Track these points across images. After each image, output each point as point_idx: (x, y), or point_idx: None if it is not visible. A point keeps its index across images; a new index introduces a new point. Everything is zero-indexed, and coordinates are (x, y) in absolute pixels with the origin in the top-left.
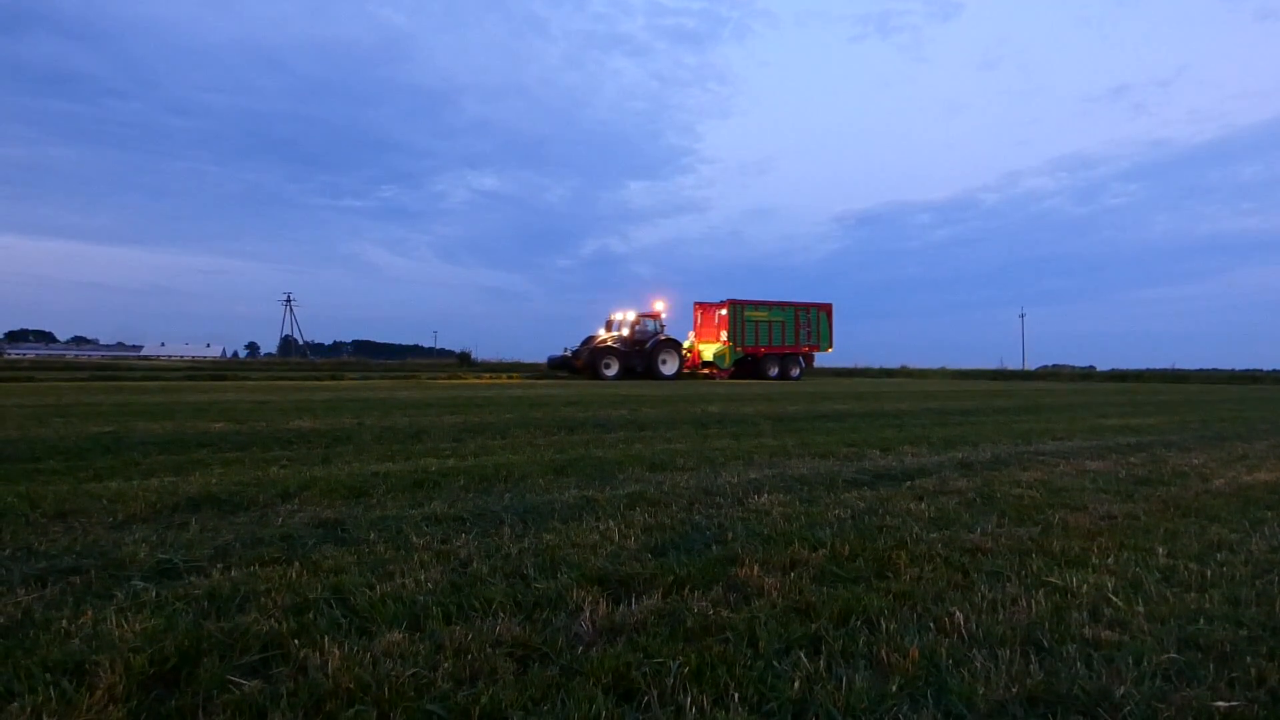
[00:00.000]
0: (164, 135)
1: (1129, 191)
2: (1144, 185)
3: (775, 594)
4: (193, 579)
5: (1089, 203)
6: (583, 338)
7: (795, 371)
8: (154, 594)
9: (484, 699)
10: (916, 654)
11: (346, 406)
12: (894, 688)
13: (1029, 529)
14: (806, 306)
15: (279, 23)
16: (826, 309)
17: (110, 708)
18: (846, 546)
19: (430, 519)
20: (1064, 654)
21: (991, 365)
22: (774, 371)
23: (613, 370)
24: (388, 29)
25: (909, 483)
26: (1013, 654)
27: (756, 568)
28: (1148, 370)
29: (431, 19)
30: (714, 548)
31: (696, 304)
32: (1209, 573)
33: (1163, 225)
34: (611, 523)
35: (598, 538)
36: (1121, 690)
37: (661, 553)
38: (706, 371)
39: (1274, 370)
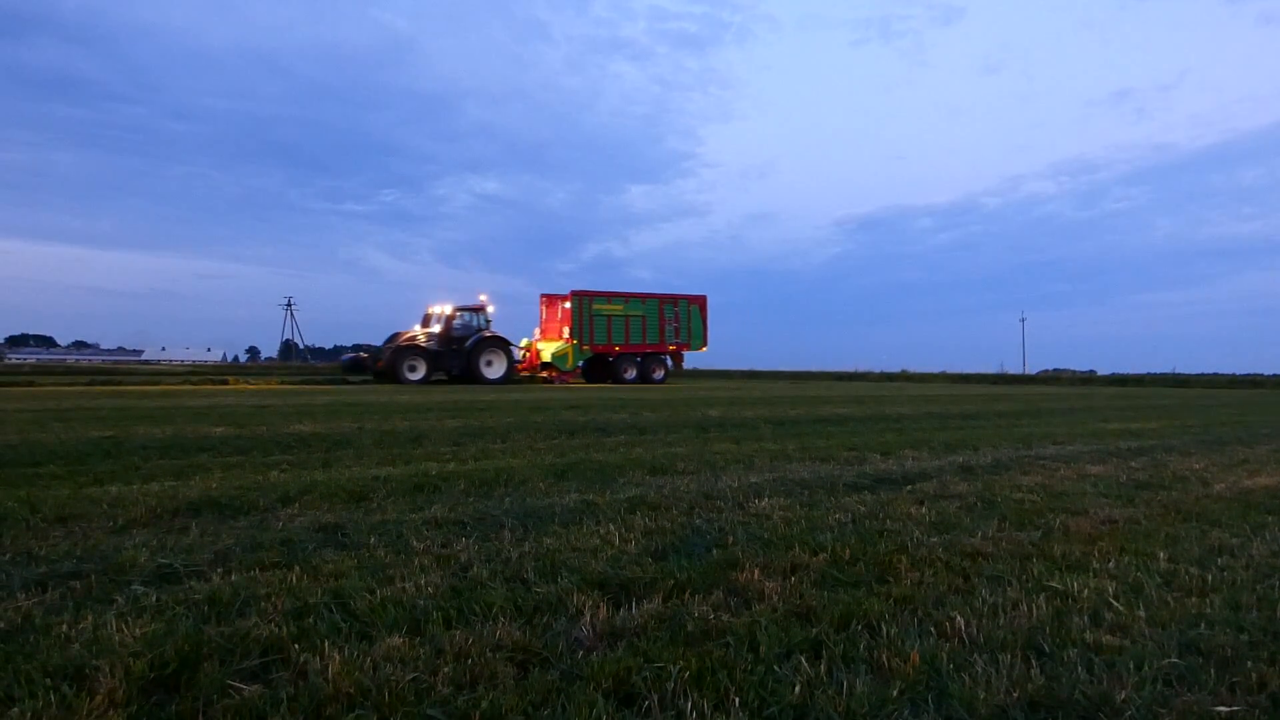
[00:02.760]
0: (165, 140)
1: (1130, 196)
2: (1145, 190)
3: (776, 598)
4: (193, 583)
5: (1090, 207)
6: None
7: (659, 374)
8: (154, 599)
9: (484, 704)
10: (917, 658)
11: (346, 410)
12: (895, 692)
13: (1030, 533)
14: (674, 299)
15: (281, 27)
16: (699, 301)
17: (110, 713)
18: (847, 551)
19: (430, 523)
20: (1065, 659)
21: (992, 369)
22: (631, 374)
23: (419, 373)
24: (389, 33)
25: (909, 487)
26: (1014, 659)
27: (757, 572)
28: (1148, 374)
29: (433, 23)
30: (714, 552)
31: (543, 296)
32: (1210, 577)
33: (1164, 230)
34: (612, 527)
35: (598, 542)
36: (1122, 695)
37: (662, 557)
38: (546, 375)
39: (1275, 375)
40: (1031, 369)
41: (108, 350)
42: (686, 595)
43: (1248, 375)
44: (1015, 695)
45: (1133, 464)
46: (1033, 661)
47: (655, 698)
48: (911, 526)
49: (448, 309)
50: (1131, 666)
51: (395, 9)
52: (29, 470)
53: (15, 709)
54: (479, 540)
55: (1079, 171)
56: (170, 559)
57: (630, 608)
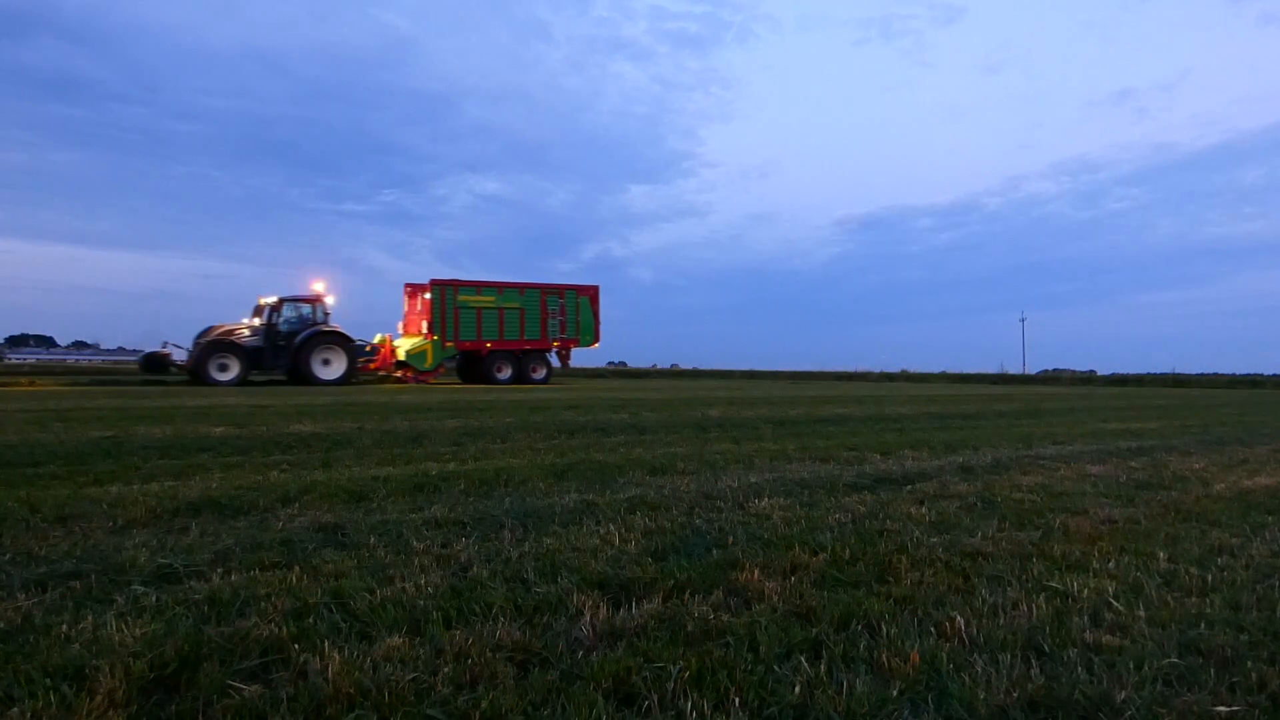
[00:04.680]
0: (166, 139)
1: (1131, 196)
2: (1146, 189)
3: (776, 598)
4: (193, 584)
5: (1091, 207)
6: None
7: (540, 373)
8: (154, 599)
9: (484, 703)
10: (917, 658)
11: (346, 410)
12: (895, 692)
13: (1030, 533)
14: (557, 289)
15: (281, 27)
16: (589, 292)
17: (110, 713)
18: (847, 551)
19: (430, 523)
20: (1065, 659)
21: (992, 369)
22: (505, 374)
23: (231, 373)
24: (390, 33)
25: (909, 487)
26: (1014, 659)
27: (757, 572)
28: (1148, 374)
29: (434, 23)
30: (714, 552)
31: (407, 286)
32: (1210, 577)
33: (1164, 229)
34: (612, 527)
35: (598, 542)
36: (1122, 695)
37: (662, 557)
38: (401, 374)
39: (1275, 375)
40: (1031, 369)
41: (108, 350)
42: (686, 595)
43: (1248, 375)
44: (1015, 695)
45: (1133, 464)
46: (1033, 661)
47: (655, 698)
48: (911, 526)
49: (273, 299)
50: (1131, 666)
51: (396, 9)
52: (29, 470)
53: (15, 709)
54: (479, 540)
55: (1080, 171)
56: (170, 559)
57: (630, 608)
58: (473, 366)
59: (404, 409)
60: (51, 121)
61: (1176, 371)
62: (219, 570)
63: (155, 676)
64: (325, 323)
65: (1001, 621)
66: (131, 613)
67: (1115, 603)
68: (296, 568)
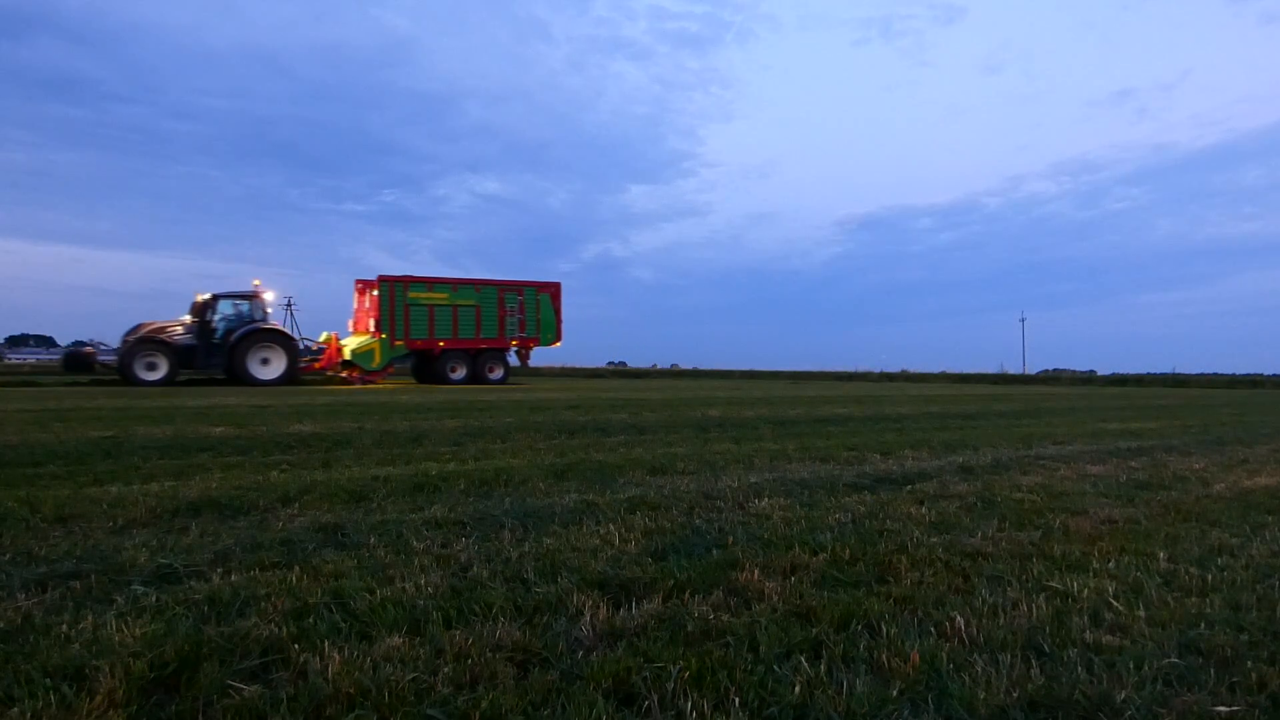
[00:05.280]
0: (166, 139)
1: (1131, 196)
2: (1146, 189)
3: (776, 598)
4: (193, 584)
5: (1091, 207)
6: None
7: (496, 373)
8: (154, 599)
9: (484, 704)
10: (917, 658)
11: (346, 411)
12: (895, 692)
13: (1030, 533)
14: (516, 286)
15: (281, 26)
16: (550, 290)
17: (110, 713)
18: (847, 551)
19: (430, 523)
20: (1065, 659)
21: (992, 369)
22: (459, 374)
23: (159, 372)
24: (390, 33)
25: (909, 487)
26: (1014, 658)
27: (757, 572)
28: (1148, 374)
29: (434, 23)
30: (714, 552)
31: (358, 282)
32: (1210, 577)
33: (1164, 229)
34: (612, 527)
35: (598, 542)
36: (1122, 695)
37: (662, 557)
38: (347, 374)
39: (1274, 375)
40: (1031, 369)
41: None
42: (686, 595)
43: (1248, 375)
44: (1015, 695)
45: (1133, 464)
46: (1033, 661)
47: (655, 698)
48: (911, 526)
49: (208, 296)
50: (1131, 666)
51: (396, 8)
52: (29, 470)
53: (15, 709)
54: (479, 540)
55: (1080, 171)
56: (170, 559)
57: (630, 608)
58: (427, 366)
59: (404, 409)
60: (52, 121)
61: (1176, 371)
62: (219, 570)
63: (155, 676)
64: (264, 320)
65: (1001, 621)
66: (131, 613)
67: (1115, 603)
68: (296, 568)
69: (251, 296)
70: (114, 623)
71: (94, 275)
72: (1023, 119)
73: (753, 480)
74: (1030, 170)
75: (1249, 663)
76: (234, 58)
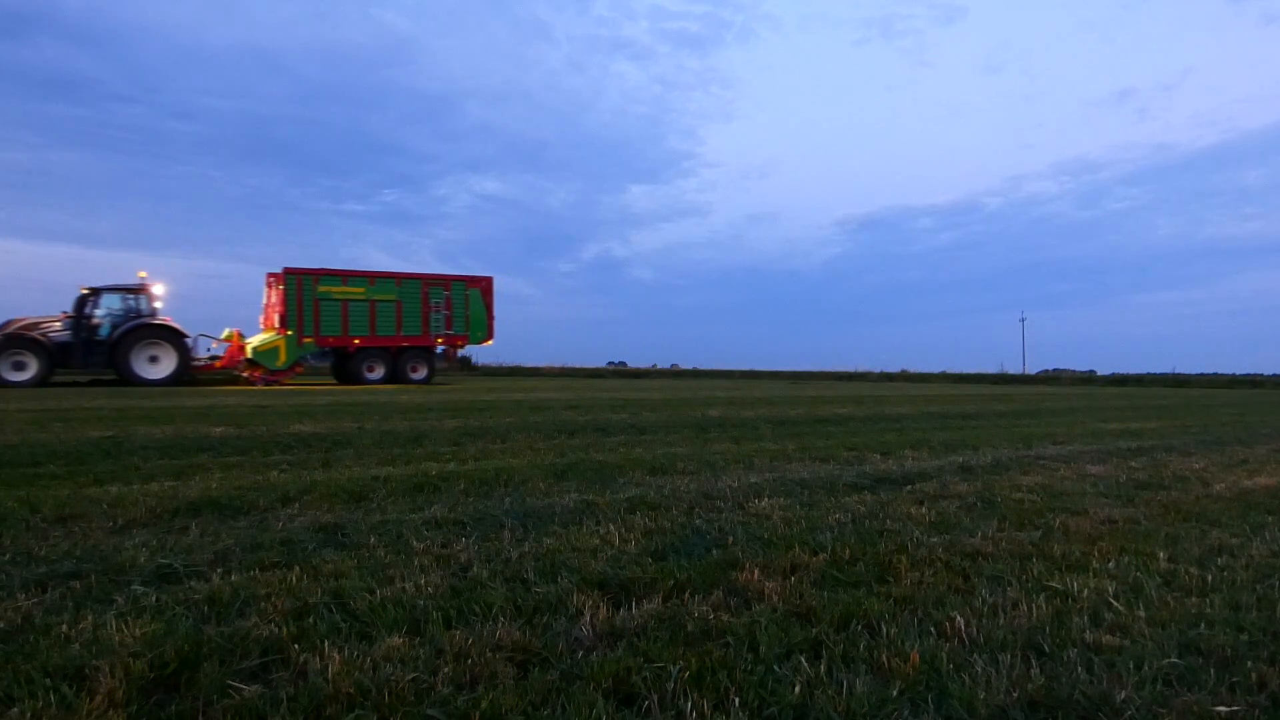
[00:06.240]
0: (166, 139)
1: (1132, 196)
2: (1147, 189)
3: (776, 598)
4: (193, 584)
5: (1091, 207)
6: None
7: (420, 372)
8: (154, 599)
9: (484, 704)
10: (917, 658)
11: (346, 411)
12: (895, 692)
13: (1030, 533)
14: (442, 280)
15: (282, 26)
16: (481, 284)
17: (110, 713)
18: (847, 551)
19: (430, 523)
20: (1065, 659)
21: (992, 369)
22: (376, 373)
23: (29, 372)
24: (391, 33)
25: (909, 487)
26: (1014, 658)
27: (757, 572)
28: (1148, 374)
29: (434, 23)
30: (714, 552)
31: (269, 275)
32: (1210, 577)
33: (1165, 229)
34: (612, 527)
35: (598, 542)
36: (1122, 695)
37: (662, 557)
38: (248, 374)
39: (1275, 375)
40: (1031, 369)
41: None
42: (686, 595)
43: (1248, 375)
44: (1015, 695)
45: (1133, 464)
46: (1033, 661)
47: (655, 698)
48: (911, 526)
49: (88, 289)
50: (1131, 666)
51: (397, 8)
52: (29, 470)
53: (15, 709)
54: (479, 540)
55: (1080, 171)
56: (170, 559)
57: (630, 608)
58: (345, 365)
59: (404, 409)
60: (52, 121)
61: (1176, 371)
62: (219, 570)
63: (155, 676)
64: (152, 315)
65: (1001, 621)
66: (131, 613)
67: (1115, 603)
68: (296, 568)
69: (138, 289)
70: (114, 623)
71: (94, 275)
72: (1023, 119)
73: (753, 480)
74: (1030, 170)
75: (1249, 663)
76: (234, 58)
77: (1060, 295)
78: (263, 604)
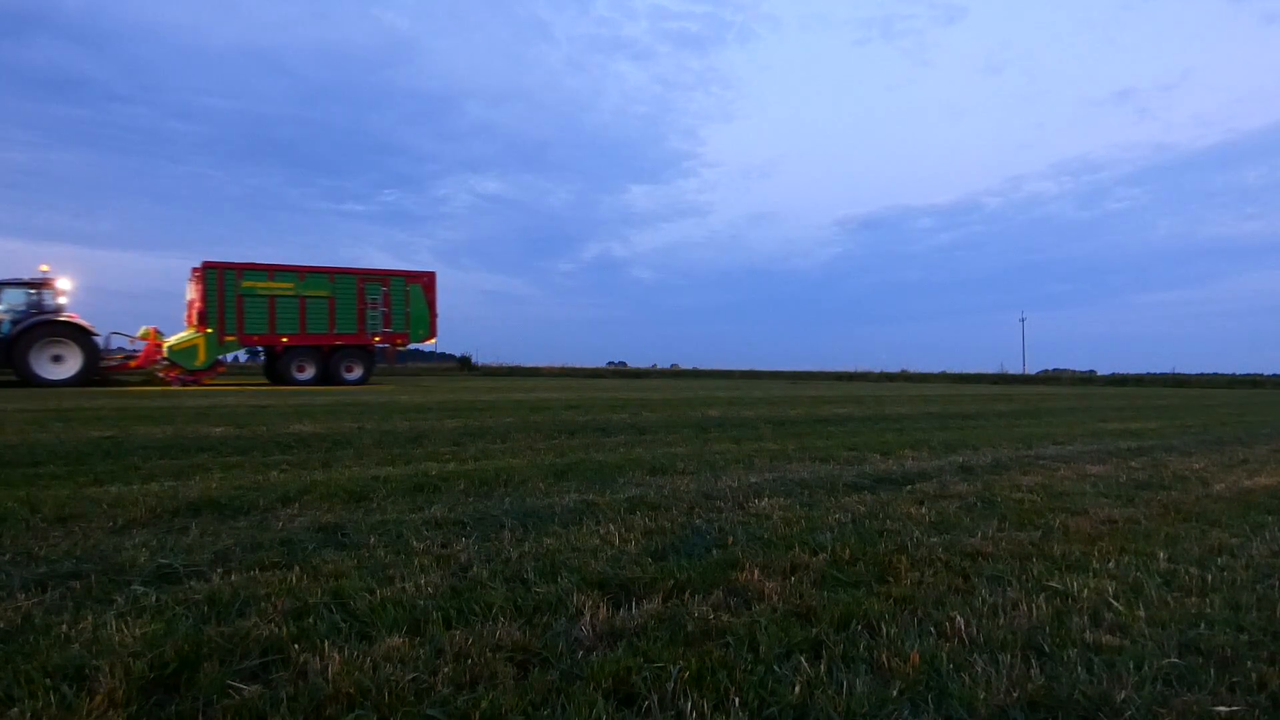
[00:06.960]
0: (166, 139)
1: (1132, 196)
2: (1147, 189)
3: (776, 598)
4: (193, 584)
5: (1092, 207)
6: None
7: (355, 372)
8: (154, 599)
9: (484, 703)
10: (917, 659)
11: (346, 411)
12: (895, 692)
13: (1030, 533)
14: (381, 275)
15: (282, 26)
16: (423, 280)
17: (110, 713)
18: (847, 551)
19: (430, 523)
20: (1065, 659)
21: (992, 369)
22: (306, 373)
23: None
24: (391, 33)
25: (909, 487)
26: (1014, 658)
27: (757, 572)
28: (1148, 374)
29: (435, 23)
30: (714, 552)
31: (194, 270)
32: (1210, 577)
33: (1165, 229)
34: (612, 527)
35: (598, 542)
36: (1122, 695)
37: (662, 557)
38: (164, 374)
39: (1274, 375)
40: (1031, 369)
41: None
42: (686, 595)
43: (1248, 375)
44: (1015, 695)
45: (1133, 464)
46: (1033, 661)
47: (655, 698)
48: (911, 526)
49: None
50: (1131, 666)
51: (397, 8)
52: (29, 470)
53: (15, 709)
54: (479, 540)
55: (1081, 171)
56: (170, 559)
57: (630, 608)
58: (272, 364)
59: (404, 409)
60: (52, 121)
61: (1176, 371)
62: (219, 570)
63: (155, 676)
64: (56, 312)
65: (1001, 621)
66: (131, 613)
67: (1115, 603)
68: (296, 568)
69: (40, 284)
70: (114, 623)
71: (94, 275)
72: (1023, 119)
73: (753, 480)
74: (1031, 170)
75: (1249, 663)
76: (234, 58)
77: (1060, 295)
78: (263, 604)
